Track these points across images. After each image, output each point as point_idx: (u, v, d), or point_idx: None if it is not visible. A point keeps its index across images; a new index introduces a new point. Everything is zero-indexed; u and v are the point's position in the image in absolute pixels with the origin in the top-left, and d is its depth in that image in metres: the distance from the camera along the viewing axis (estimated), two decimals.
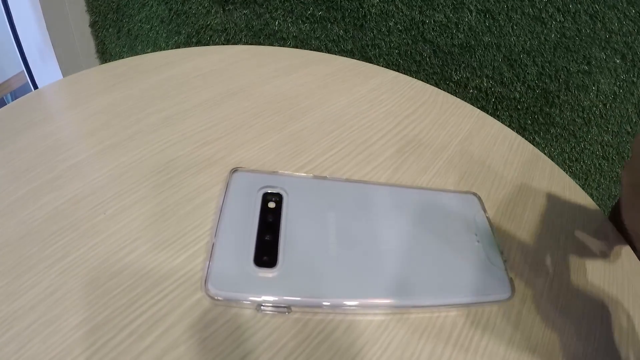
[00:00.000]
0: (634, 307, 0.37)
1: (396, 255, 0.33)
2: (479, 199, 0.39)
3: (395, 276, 0.31)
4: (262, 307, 0.28)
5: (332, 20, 0.98)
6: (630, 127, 0.94)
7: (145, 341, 0.27)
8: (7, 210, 0.33)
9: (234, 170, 0.37)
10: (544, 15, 0.85)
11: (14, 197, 0.34)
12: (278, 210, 0.34)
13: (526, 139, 0.53)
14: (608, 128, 0.94)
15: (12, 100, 1.69)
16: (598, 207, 0.46)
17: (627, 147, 0.96)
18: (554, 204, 0.44)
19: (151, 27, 1.16)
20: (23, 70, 1.32)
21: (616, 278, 0.39)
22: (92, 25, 1.24)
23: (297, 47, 1.01)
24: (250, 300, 0.28)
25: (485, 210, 0.38)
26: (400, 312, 0.31)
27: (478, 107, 0.55)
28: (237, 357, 0.27)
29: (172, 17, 1.11)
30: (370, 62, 0.59)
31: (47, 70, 1.25)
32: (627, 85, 0.89)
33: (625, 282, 0.39)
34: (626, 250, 0.42)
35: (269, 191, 0.35)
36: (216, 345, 0.27)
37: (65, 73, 1.23)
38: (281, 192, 0.35)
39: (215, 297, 0.28)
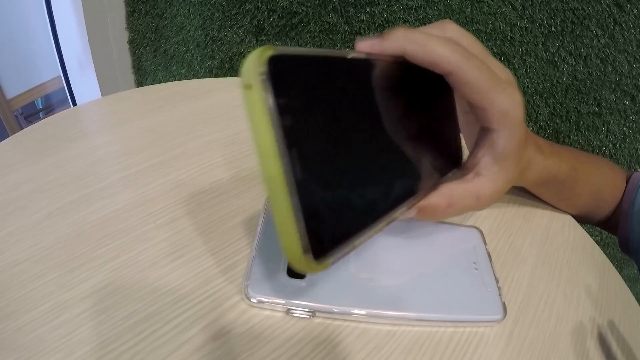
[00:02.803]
0: (624, 341, 0.39)
1: (405, 276, 0.36)
2: (481, 232, 0.43)
3: (403, 293, 0.35)
4: (291, 310, 0.32)
5: None
6: None
7: (188, 333, 0.30)
8: (60, 211, 0.37)
9: None
10: (556, 59, 0.87)
11: (67, 200, 0.38)
12: None
13: None
14: None
15: (44, 104, 1.73)
16: (595, 244, 0.48)
17: None
18: (552, 240, 0.46)
19: (187, 50, 1.19)
20: (60, 75, 1.37)
21: (609, 310, 0.41)
22: (131, 42, 1.28)
23: None
24: (281, 304, 0.32)
25: (485, 243, 0.42)
26: (405, 324, 0.34)
27: None
28: (267, 351, 0.30)
29: (208, 42, 1.14)
30: None
31: (84, 79, 1.30)
32: (636, 126, 0.89)
33: (618, 315, 0.41)
34: (619, 284, 0.45)
35: None
36: (250, 340, 0.31)
37: (101, 84, 1.27)
38: None
39: (252, 300, 0.32)
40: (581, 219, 0.54)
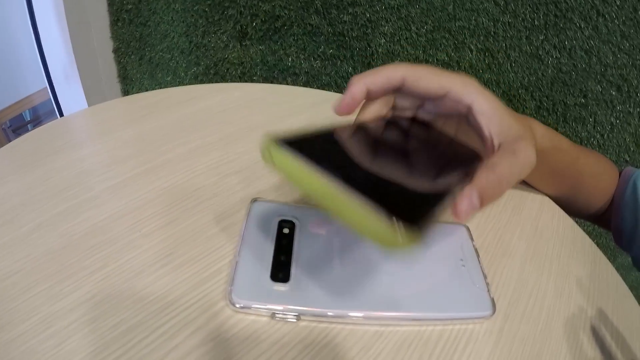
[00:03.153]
0: (618, 332, 0.39)
1: (391, 275, 0.36)
2: (467, 229, 0.43)
3: (389, 293, 0.35)
4: (276, 315, 0.32)
5: (341, 58, 1.00)
6: (629, 156, 0.94)
7: (174, 341, 0.30)
8: (48, 223, 0.37)
9: (254, 200, 0.40)
10: (540, 52, 0.87)
11: (55, 212, 0.38)
12: (291, 235, 0.37)
13: None
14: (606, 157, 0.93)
15: (31, 116, 1.72)
16: (585, 235, 0.48)
17: None
18: (542, 232, 0.46)
19: (172, 57, 1.19)
20: (46, 87, 1.35)
21: (601, 301, 0.41)
22: (116, 51, 1.27)
23: (308, 82, 1.03)
24: (266, 309, 0.32)
25: (472, 239, 0.42)
26: (392, 324, 0.34)
27: None
28: (254, 356, 0.30)
29: (192, 49, 1.14)
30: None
31: (70, 89, 1.28)
32: (623, 116, 0.89)
33: (611, 306, 0.41)
34: (611, 274, 0.44)
35: (284, 219, 0.39)
36: (236, 345, 0.30)
37: (87, 94, 1.26)
38: (294, 220, 0.39)
39: (237, 305, 0.32)
40: (577, 210, 0.54)
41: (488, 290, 0.37)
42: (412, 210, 0.23)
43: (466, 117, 0.37)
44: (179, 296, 0.33)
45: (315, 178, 0.22)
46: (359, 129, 0.34)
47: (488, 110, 0.35)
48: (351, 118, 0.38)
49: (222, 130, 0.51)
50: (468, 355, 0.33)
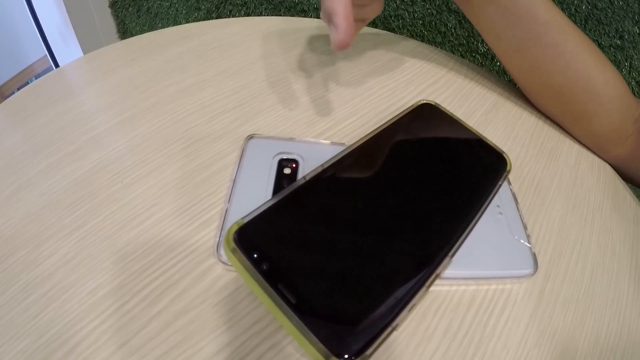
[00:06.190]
0: None
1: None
2: (505, 169, 0.36)
3: None
4: None
5: None
6: None
7: (158, 306, 0.27)
8: (29, 183, 0.34)
9: (250, 137, 0.36)
10: None
11: (35, 170, 0.35)
12: (294, 176, 0.33)
13: None
14: None
15: None
16: (626, 186, 0.44)
17: None
18: (582, 182, 0.42)
19: (170, 4, 1.16)
20: (46, 55, 1.34)
21: None
22: (112, 5, 1.25)
23: (318, 19, 1.00)
24: None
25: (509, 182, 0.37)
26: None
27: (505, 81, 0.53)
28: (248, 323, 0.27)
29: None
30: (394, 33, 0.57)
31: (69, 52, 1.27)
32: None
33: None
34: None
35: (285, 157, 0.34)
36: (227, 311, 0.27)
37: (86, 54, 1.25)
38: (297, 158, 0.34)
39: (228, 263, 0.28)
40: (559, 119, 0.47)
41: (529, 244, 0.32)
42: (356, 340, 0.22)
43: None
44: (162, 254, 0.30)
45: (263, 294, 0.23)
46: (339, 175, 0.30)
47: None
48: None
49: (217, 65, 0.47)
50: (505, 321, 0.29)
